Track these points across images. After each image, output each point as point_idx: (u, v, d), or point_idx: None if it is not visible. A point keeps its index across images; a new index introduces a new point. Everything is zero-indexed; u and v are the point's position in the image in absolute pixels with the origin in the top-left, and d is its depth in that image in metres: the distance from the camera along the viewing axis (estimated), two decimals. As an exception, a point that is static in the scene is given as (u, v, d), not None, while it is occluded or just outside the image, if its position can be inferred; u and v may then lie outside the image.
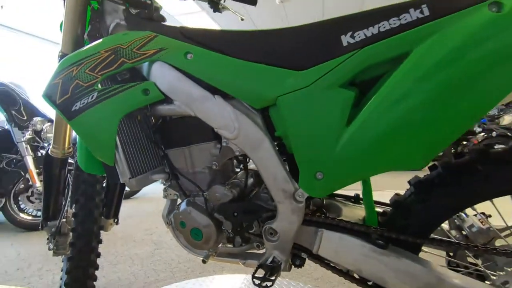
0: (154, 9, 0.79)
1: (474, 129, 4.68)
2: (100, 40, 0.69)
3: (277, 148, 0.63)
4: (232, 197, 0.69)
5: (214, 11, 0.94)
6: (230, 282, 1.29)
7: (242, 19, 1.02)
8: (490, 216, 0.70)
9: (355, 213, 0.72)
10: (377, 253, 0.59)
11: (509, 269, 0.57)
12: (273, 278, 0.62)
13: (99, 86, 0.67)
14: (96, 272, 1.02)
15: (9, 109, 2.30)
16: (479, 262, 0.66)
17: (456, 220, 0.70)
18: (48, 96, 0.70)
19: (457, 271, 0.65)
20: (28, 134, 2.27)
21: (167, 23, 0.74)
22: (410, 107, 0.49)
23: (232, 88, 0.62)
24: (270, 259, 0.65)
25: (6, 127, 2.37)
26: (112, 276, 1.47)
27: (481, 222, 0.67)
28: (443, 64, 0.46)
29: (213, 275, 1.39)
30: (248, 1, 0.91)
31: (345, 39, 0.53)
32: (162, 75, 0.67)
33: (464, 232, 0.68)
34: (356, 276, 0.66)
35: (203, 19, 4.81)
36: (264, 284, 0.61)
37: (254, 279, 0.62)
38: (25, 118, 2.34)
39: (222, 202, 0.70)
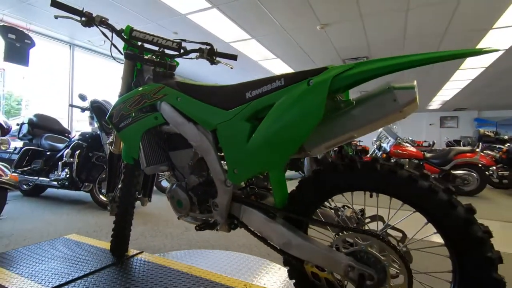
0: (169, 67, 1.31)
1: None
2: (136, 89, 1.24)
3: (219, 155, 1.07)
4: (198, 183, 1.15)
5: (211, 64, 1.44)
6: (222, 255, 1.72)
7: (231, 68, 1.49)
8: (363, 211, 1.00)
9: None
10: (268, 221, 0.97)
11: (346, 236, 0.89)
12: (205, 227, 1.05)
13: (133, 114, 1.21)
14: (139, 240, 1.56)
15: (101, 120, 3.18)
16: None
17: (339, 211, 1.01)
18: (109, 118, 1.28)
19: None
20: (111, 138, 3.10)
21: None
22: (266, 135, 0.88)
23: (197, 118, 1.09)
24: (212, 220, 1.08)
25: (98, 133, 3.28)
26: (149, 244, 2.05)
27: (350, 213, 0.98)
28: (280, 113, 0.85)
29: (214, 249, 1.84)
30: (229, 58, 1.38)
31: (247, 94, 0.95)
32: (165, 109, 1.17)
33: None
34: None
35: (278, 63, 6.40)
36: (200, 230, 1.05)
37: (196, 227, 1.06)
38: (110, 126, 3.19)
39: (193, 185, 1.16)
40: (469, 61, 6.06)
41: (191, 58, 1.41)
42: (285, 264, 1.02)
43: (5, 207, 2.18)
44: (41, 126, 3.81)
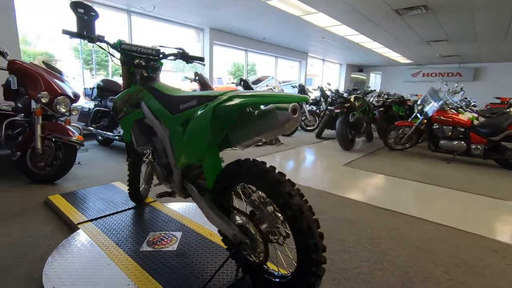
0: (153, 69, 1.69)
1: None
2: (126, 90, 1.67)
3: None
4: (166, 162, 1.59)
5: (187, 63, 1.75)
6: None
7: (204, 65, 1.75)
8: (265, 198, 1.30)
9: (214, 180, 1.48)
10: (198, 197, 1.36)
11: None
12: (165, 195, 1.51)
13: (125, 109, 1.67)
14: (158, 188, 2.17)
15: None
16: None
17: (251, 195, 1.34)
18: (113, 110, 1.76)
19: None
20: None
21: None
22: (187, 138, 1.22)
23: (160, 117, 1.48)
24: (171, 190, 1.54)
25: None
26: (170, 193, 2.69)
27: (256, 196, 1.30)
28: (193, 124, 1.17)
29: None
30: (199, 60, 1.67)
31: (181, 106, 1.29)
32: (143, 107, 1.58)
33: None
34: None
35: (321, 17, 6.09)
36: (161, 197, 1.52)
37: (157, 195, 1.53)
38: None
39: (163, 163, 1.61)
40: None
41: (171, 59, 1.75)
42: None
43: (85, 154, 3.05)
44: (107, 89, 4.68)
